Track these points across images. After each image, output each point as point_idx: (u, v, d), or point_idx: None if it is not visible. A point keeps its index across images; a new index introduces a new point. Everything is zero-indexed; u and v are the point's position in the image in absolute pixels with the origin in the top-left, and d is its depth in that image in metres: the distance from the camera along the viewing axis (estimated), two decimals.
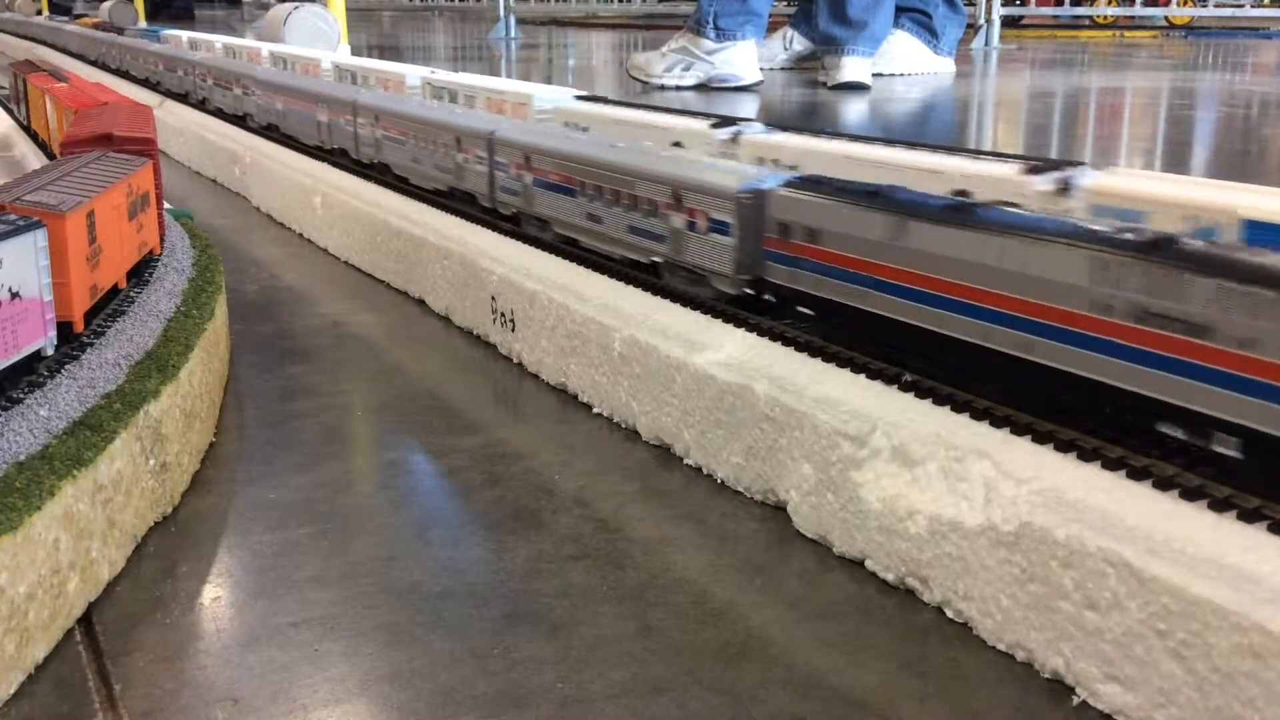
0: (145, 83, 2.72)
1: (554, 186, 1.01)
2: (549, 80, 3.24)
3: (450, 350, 1.05)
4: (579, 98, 1.40)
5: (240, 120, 1.95)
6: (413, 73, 1.69)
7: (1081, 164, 0.80)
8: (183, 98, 2.35)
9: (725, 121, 1.12)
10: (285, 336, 1.10)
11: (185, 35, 2.94)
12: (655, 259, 0.88)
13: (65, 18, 4.97)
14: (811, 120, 2.12)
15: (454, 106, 1.47)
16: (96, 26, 3.85)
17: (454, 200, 1.20)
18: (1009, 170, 0.82)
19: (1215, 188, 0.72)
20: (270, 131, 1.79)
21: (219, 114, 2.08)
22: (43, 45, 4.36)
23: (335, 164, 1.50)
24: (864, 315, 0.70)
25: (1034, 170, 0.81)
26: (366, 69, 1.85)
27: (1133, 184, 0.75)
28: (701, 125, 1.14)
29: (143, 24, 4.49)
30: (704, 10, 2.65)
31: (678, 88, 2.67)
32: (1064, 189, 0.77)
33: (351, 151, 1.46)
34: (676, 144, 1.14)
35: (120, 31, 3.45)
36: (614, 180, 0.92)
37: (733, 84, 2.69)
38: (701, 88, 2.67)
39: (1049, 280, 0.57)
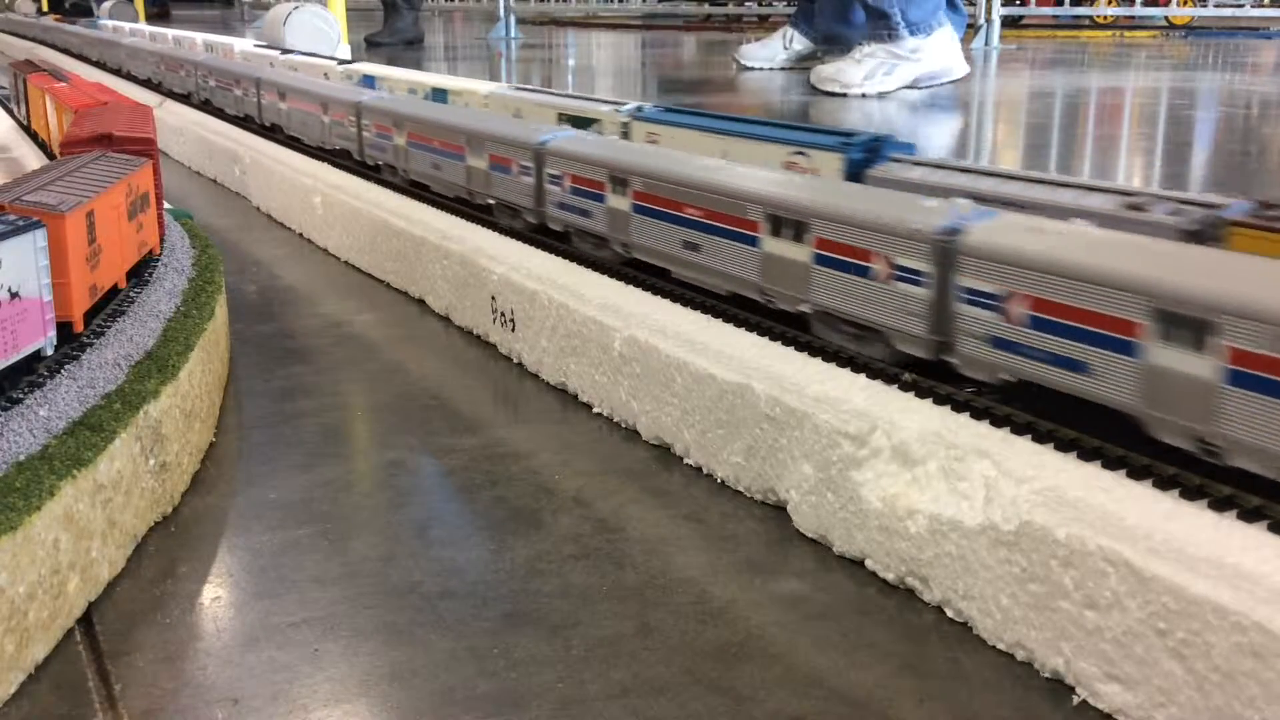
0: (101, 65, 3.37)
1: (652, 212, 0.87)
2: (549, 80, 3.24)
3: (450, 350, 1.05)
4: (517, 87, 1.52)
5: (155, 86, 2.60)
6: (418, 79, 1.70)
7: None
8: (119, 73, 3.02)
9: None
10: (285, 336, 1.10)
11: (126, 25, 3.93)
12: (802, 309, 0.74)
13: (80, 18, 5.07)
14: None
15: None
16: (59, 20, 4.94)
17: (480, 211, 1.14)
18: None
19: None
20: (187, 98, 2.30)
21: (161, 89, 2.58)
22: (17, 37, 5.11)
23: (336, 164, 1.50)
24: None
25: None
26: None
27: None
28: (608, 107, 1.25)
29: (142, 23, 4.54)
30: (889, 11, 2.51)
31: (880, 94, 2.52)
32: None
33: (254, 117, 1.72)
34: (571, 119, 1.24)
35: (73, 22, 4.52)
36: (731, 206, 0.79)
37: (943, 80, 2.53)
38: (910, 89, 2.52)
39: None
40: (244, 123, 1.90)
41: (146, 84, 2.73)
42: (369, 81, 1.79)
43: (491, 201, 1.09)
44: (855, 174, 0.90)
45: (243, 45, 2.74)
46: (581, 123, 1.26)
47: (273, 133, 1.76)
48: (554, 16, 7.27)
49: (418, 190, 1.27)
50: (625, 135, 1.20)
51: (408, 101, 1.35)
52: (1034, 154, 1.91)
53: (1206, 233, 0.69)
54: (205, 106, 2.17)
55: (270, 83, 1.75)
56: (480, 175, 1.11)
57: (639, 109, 1.21)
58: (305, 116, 1.59)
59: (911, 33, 2.54)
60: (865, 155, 0.91)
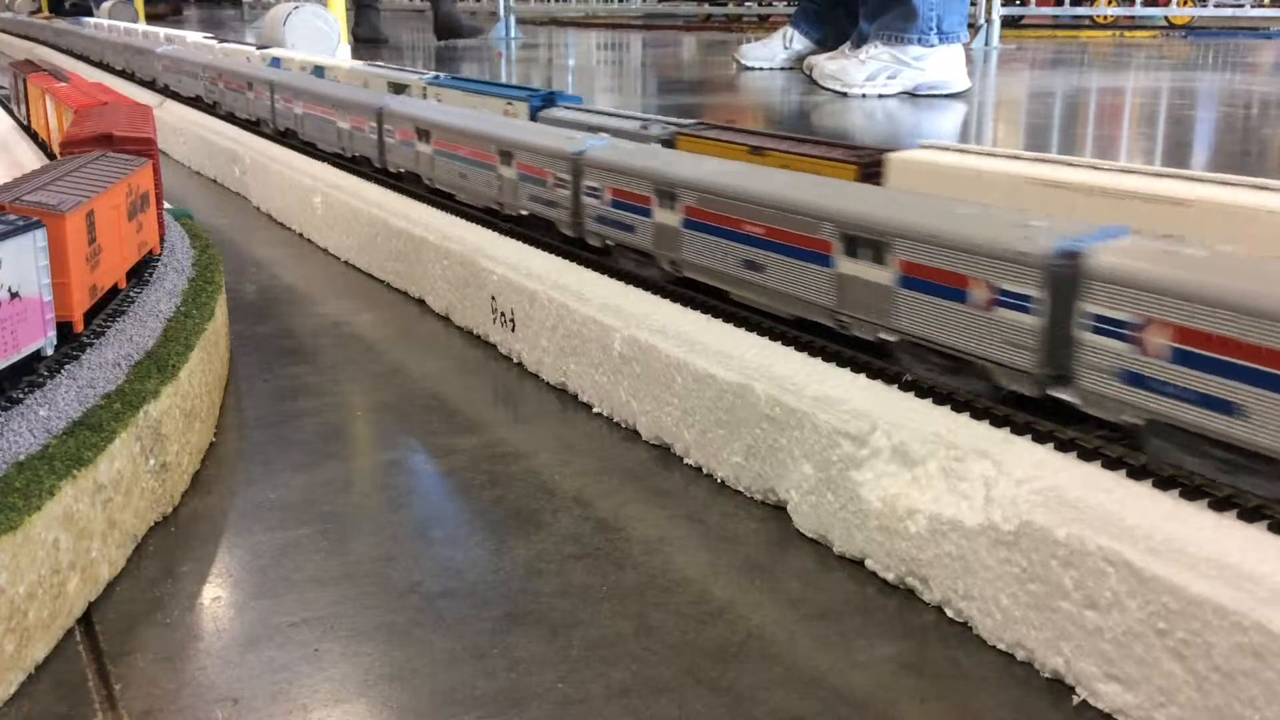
0: (80, 57, 3.67)
1: (706, 228, 0.82)
2: (548, 81, 3.24)
3: (450, 350, 1.04)
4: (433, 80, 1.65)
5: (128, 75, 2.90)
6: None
7: None
8: (104, 66, 3.29)
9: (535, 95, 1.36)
10: (285, 336, 1.10)
11: (106, 22, 4.28)
12: (884, 337, 0.68)
13: (82, 17, 5.14)
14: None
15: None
16: (47, 18, 5.32)
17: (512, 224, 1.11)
18: None
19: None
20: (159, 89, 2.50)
21: (133, 78, 2.85)
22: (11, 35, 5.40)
23: (335, 164, 1.50)
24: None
25: None
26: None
27: None
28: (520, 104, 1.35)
29: (142, 23, 4.57)
30: (922, 14, 2.48)
31: (880, 96, 2.53)
32: None
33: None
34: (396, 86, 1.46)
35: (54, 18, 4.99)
36: (801, 224, 0.73)
37: (943, 91, 2.54)
38: (906, 96, 2.53)
39: None
40: (255, 127, 1.88)
41: (127, 76, 2.93)
42: (275, 63, 2.24)
43: (524, 213, 1.05)
44: (534, 115, 1.31)
45: (193, 37, 3.10)
46: (399, 88, 1.68)
47: (286, 138, 1.72)
48: (554, 16, 7.27)
49: (443, 200, 1.22)
50: (424, 97, 1.57)
51: (435, 108, 1.30)
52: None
53: (669, 140, 1.10)
54: (213, 110, 2.13)
55: (285, 86, 1.70)
56: (511, 186, 1.06)
57: (436, 77, 1.64)
58: (321, 122, 1.54)
59: (938, 42, 2.54)
60: (542, 103, 1.32)
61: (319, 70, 2.03)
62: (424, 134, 1.23)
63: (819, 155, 0.93)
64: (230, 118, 2.01)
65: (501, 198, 1.09)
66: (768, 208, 0.75)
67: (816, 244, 0.71)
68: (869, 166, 0.90)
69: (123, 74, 2.96)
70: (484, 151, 1.11)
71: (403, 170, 1.31)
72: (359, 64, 2.05)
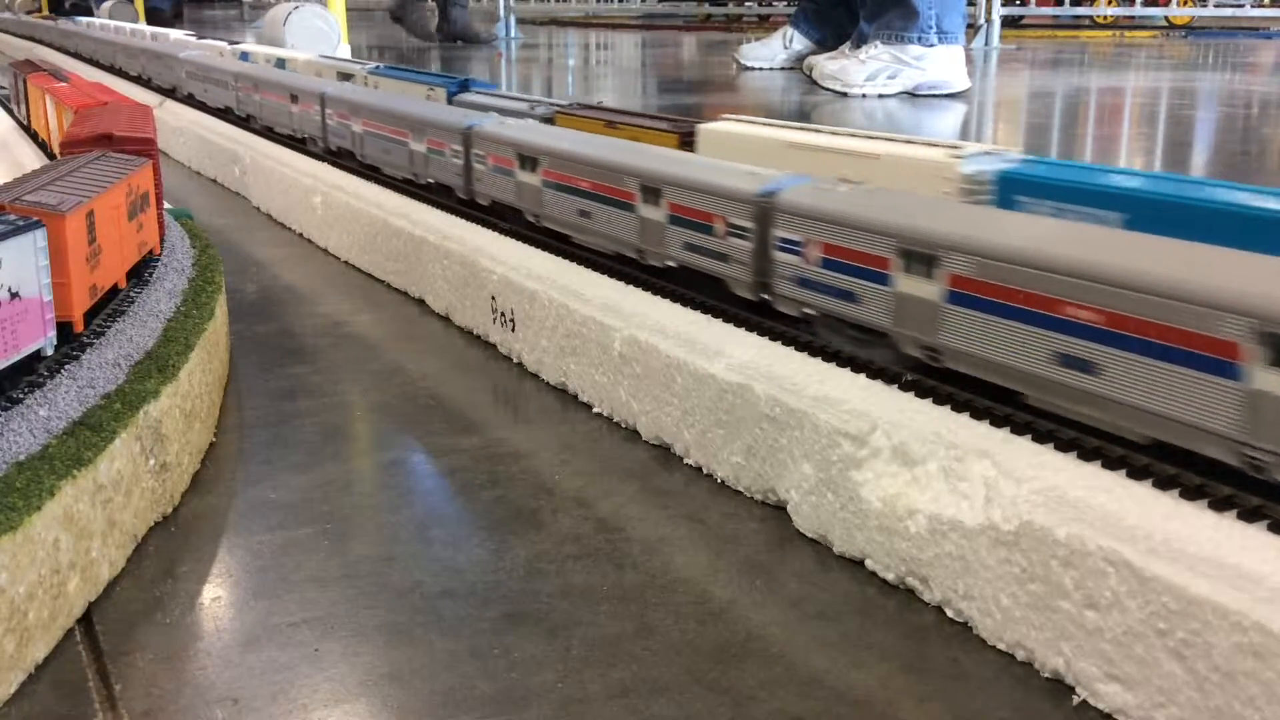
0: (68, 51, 3.85)
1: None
2: (548, 80, 3.24)
3: (450, 350, 1.04)
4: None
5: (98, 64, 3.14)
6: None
7: None
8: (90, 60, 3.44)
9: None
10: (285, 336, 1.10)
11: (97, 21, 4.49)
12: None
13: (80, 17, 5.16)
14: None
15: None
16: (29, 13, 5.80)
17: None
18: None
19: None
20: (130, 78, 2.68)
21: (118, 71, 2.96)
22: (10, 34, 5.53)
23: (336, 164, 1.50)
24: None
25: None
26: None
27: None
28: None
29: (142, 23, 4.57)
30: (922, 13, 2.50)
31: (880, 96, 2.54)
32: None
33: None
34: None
35: (53, 19, 5.13)
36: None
37: (943, 91, 2.55)
38: (906, 96, 2.54)
39: None
40: (303, 145, 1.64)
41: (143, 82, 2.84)
42: (245, 56, 2.40)
43: (672, 264, 0.87)
44: (450, 99, 1.49)
45: (166, 33, 3.27)
46: (346, 76, 1.88)
47: (340, 158, 1.51)
48: (554, 16, 7.27)
49: (554, 240, 1.03)
50: (365, 84, 1.74)
51: (543, 131, 1.10)
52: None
53: (550, 118, 1.22)
54: (246, 123, 1.92)
55: (340, 100, 1.49)
56: (657, 230, 0.88)
57: (376, 67, 1.84)
58: (387, 143, 1.35)
59: (938, 41, 2.53)
60: (459, 88, 1.51)
61: (280, 63, 2.21)
62: (529, 161, 1.04)
63: (651, 127, 1.15)
64: (268, 133, 1.79)
65: (645, 244, 0.90)
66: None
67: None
68: (686, 135, 1.10)
69: (137, 80, 2.76)
70: (618, 187, 0.92)
71: (497, 203, 1.12)
72: (313, 56, 2.21)
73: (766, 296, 0.78)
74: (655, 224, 0.88)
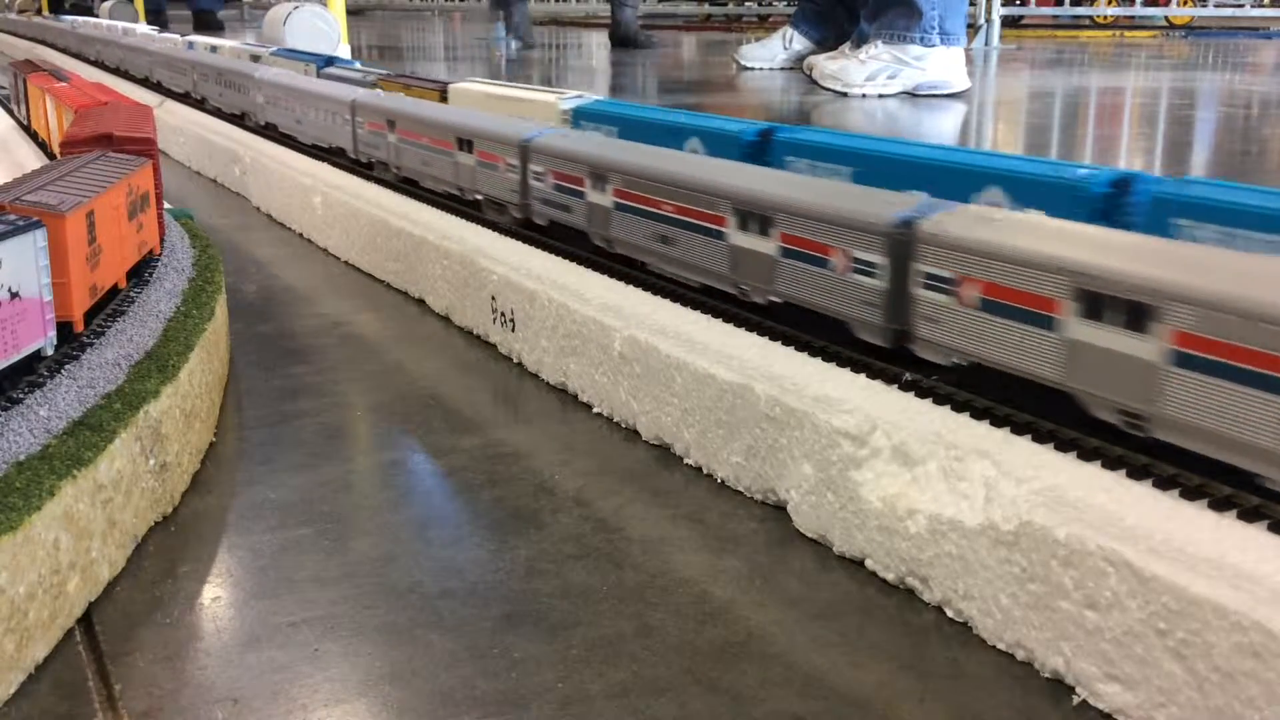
0: (62, 49, 3.97)
1: None
2: (548, 80, 3.24)
3: (450, 350, 1.04)
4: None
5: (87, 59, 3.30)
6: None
7: None
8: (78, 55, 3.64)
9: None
10: (285, 336, 1.10)
11: (84, 19, 4.69)
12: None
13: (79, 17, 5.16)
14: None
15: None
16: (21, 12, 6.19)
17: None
18: None
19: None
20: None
21: (110, 68, 3.07)
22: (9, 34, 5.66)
23: (335, 164, 1.50)
24: None
25: None
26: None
27: None
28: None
29: (143, 23, 4.57)
30: (926, 14, 2.50)
31: (880, 96, 2.55)
32: None
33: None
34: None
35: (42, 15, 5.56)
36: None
37: (943, 91, 2.55)
38: (906, 95, 2.55)
39: None
40: (326, 154, 1.55)
41: (112, 71, 3.06)
42: (190, 46, 2.68)
43: (775, 300, 0.77)
44: (319, 71, 1.89)
45: (143, 29, 3.51)
46: (255, 58, 2.20)
47: (370, 169, 1.41)
48: (556, 16, 7.26)
49: (629, 268, 0.93)
50: (314, 75, 1.93)
51: (617, 146, 0.99)
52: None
53: (374, 84, 1.52)
54: (268, 131, 1.79)
55: (371, 108, 1.38)
56: (759, 262, 0.77)
57: (275, 50, 2.23)
58: (428, 155, 1.24)
59: (940, 42, 2.53)
60: (325, 63, 1.94)
61: (212, 49, 2.52)
62: (600, 179, 0.94)
63: (422, 86, 1.60)
64: (314, 149, 1.60)
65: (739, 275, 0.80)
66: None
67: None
68: (443, 92, 1.55)
69: (185, 97, 2.33)
70: (700, 208, 0.82)
71: (556, 224, 1.02)
72: (235, 42, 2.61)
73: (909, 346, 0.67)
74: (757, 255, 0.76)
